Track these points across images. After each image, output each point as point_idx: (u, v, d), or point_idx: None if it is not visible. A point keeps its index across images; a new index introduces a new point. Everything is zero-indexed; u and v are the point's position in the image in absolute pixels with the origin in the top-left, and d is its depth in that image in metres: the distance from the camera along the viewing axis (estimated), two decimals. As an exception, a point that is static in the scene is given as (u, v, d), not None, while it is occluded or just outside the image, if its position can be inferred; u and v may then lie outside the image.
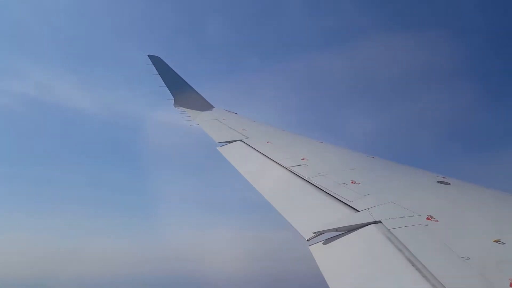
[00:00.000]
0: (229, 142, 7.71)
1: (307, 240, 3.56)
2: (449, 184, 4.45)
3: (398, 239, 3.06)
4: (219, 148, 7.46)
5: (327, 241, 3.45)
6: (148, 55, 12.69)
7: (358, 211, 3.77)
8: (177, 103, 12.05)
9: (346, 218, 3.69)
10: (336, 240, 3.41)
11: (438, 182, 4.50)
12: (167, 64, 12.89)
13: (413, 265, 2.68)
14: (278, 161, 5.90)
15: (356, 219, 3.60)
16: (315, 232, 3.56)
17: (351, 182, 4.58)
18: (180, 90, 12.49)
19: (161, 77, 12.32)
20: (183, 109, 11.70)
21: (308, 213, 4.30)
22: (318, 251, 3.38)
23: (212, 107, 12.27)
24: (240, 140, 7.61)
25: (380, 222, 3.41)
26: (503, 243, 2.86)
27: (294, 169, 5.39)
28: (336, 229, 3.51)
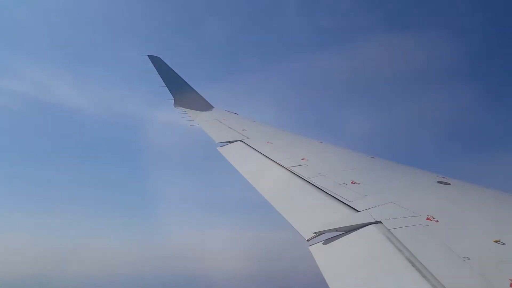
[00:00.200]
0: (229, 142, 7.71)
1: (307, 240, 3.56)
2: (449, 184, 4.45)
3: (398, 239, 3.06)
4: (219, 148, 7.45)
5: (327, 241, 3.45)
6: (148, 55, 12.69)
7: (358, 211, 3.77)
8: (177, 103, 12.04)
9: (346, 218, 3.69)
10: (336, 240, 3.41)
11: (438, 182, 4.50)
12: (167, 65, 12.89)
13: (413, 265, 2.68)
14: (278, 161, 5.90)
15: (356, 219, 3.60)
16: (315, 232, 3.56)
17: (351, 182, 4.58)
18: (180, 90, 12.49)
19: (161, 77, 12.32)
20: (183, 109, 11.69)
21: (308, 213, 4.29)
22: (318, 251, 3.38)
23: (212, 107, 12.27)
24: (240, 141, 7.61)
25: (380, 222, 3.41)
26: (503, 243, 2.86)
27: (294, 169, 5.38)
28: (336, 229, 3.50)
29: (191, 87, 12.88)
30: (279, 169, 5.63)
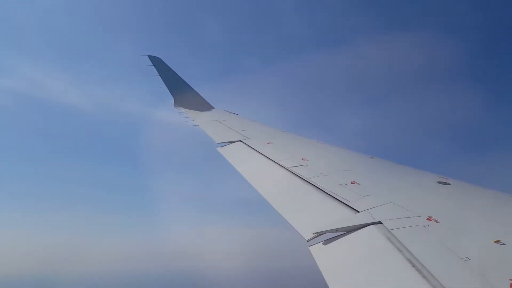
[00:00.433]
0: (229, 142, 7.71)
1: (307, 241, 3.56)
2: (449, 184, 4.45)
3: (398, 239, 3.06)
4: (219, 149, 7.45)
5: (327, 242, 3.45)
6: (148, 56, 12.69)
7: (358, 211, 3.77)
8: (177, 103, 12.05)
9: (346, 218, 3.69)
10: (336, 241, 3.41)
11: (438, 182, 4.50)
12: (167, 65, 12.90)
13: (413, 265, 2.68)
14: (278, 162, 5.90)
15: (356, 219, 3.60)
16: (315, 233, 3.56)
17: (351, 183, 4.58)
18: (180, 90, 12.50)
19: (161, 78, 12.32)
20: (183, 109, 11.70)
21: (308, 213, 4.29)
22: (318, 251, 3.38)
23: (212, 107, 12.28)
24: (240, 141, 7.61)
25: (380, 222, 3.42)
26: (503, 244, 2.86)
27: (294, 170, 5.38)
28: (336, 230, 3.51)
29: (191, 88, 12.90)
30: (279, 170, 5.63)
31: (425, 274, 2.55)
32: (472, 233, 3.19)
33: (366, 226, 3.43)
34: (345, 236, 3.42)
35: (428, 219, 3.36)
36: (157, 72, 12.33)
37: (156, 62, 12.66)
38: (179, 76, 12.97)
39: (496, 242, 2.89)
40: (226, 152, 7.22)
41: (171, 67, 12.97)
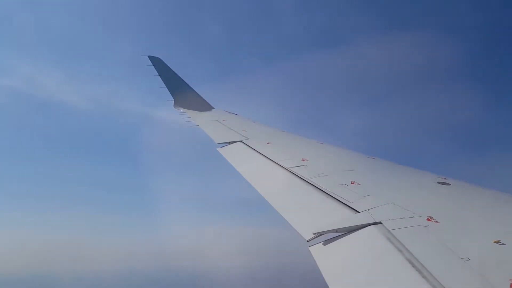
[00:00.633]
0: (229, 143, 7.70)
1: (307, 241, 3.56)
2: (449, 184, 4.45)
3: (398, 240, 3.06)
4: (219, 149, 7.45)
5: (327, 242, 3.45)
6: (148, 56, 12.69)
7: (358, 212, 3.77)
8: (177, 104, 12.05)
9: (346, 218, 3.69)
10: (336, 241, 3.41)
11: (438, 182, 4.50)
12: (167, 65, 12.90)
13: (413, 266, 2.68)
14: (278, 162, 5.90)
15: (356, 220, 3.60)
16: (315, 233, 3.56)
17: (351, 183, 4.58)
18: (180, 91, 12.50)
19: (161, 78, 12.32)
20: (183, 110, 11.69)
21: (308, 213, 4.29)
22: (318, 251, 3.38)
23: (212, 108, 12.28)
24: (240, 141, 7.61)
25: (380, 223, 3.41)
26: (503, 244, 2.86)
27: (294, 170, 5.38)
28: (336, 230, 3.50)
29: (191, 88, 12.90)
30: (279, 170, 5.62)
31: (425, 274, 2.55)
32: (472, 233, 3.19)
33: (366, 226, 3.43)
34: (345, 237, 3.42)
35: (428, 219, 3.36)
36: (157, 73, 12.35)
37: (156, 62, 12.66)
38: (179, 76, 12.98)
39: (496, 242, 2.89)
40: (226, 152, 7.22)
41: (171, 67, 12.98)
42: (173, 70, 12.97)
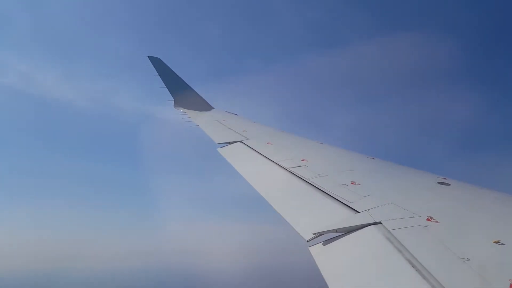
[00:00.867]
0: (229, 143, 7.70)
1: (307, 241, 3.56)
2: (449, 185, 4.45)
3: (398, 240, 3.06)
4: (219, 149, 7.45)
5: (327, 242, 3.45)
6: (148, 56, 12.69)
7: (358, 212, 3.77)
8: (177, 104, 12.04)
9: (346, 219, 3.69)
10: (336, 241, 3.42)
11: (438, 183, 4.50)
12: (167, 65, 12.89)
13: (413, 266, 2.68)
14: (278, 162, 5.90)
15: (356, 220, 3.60)
16: (315, 233, 3.56)
17: (351, 183, 4.58)
18: (180, 91, 12.49)
19: (161, 78, 12.31)
20: (183, 110, 11.69)
21: (308, 214, 4.29)
22: (318, 252, 3.38)
23: (212, 108, 12.27)
24: (240, 141, 7.60)
25: (380, 223, 3.41)
26: (503, 244, 2.86)
27: (294, 170, 5.38)
28: (336, 230, 3.51)
29: (191, 88, 12.89)
30: (279, 170, 5.62)
31: (425, 274, 2.55)
32: (472, 233, 3.19)
33: (366, 226, 3.43)
34: (345, 237, 3.42)
35: (428, 219, 3.36)
36: (157, 73, 12.34)
37: (156, 62, 12.65)
38: (179, 76, 12.97)
39: (496, 242, 2.89)
40: (226, 152, 7.22)
41: (171, 68, 12.98)
42: (173, 70, 12.98)
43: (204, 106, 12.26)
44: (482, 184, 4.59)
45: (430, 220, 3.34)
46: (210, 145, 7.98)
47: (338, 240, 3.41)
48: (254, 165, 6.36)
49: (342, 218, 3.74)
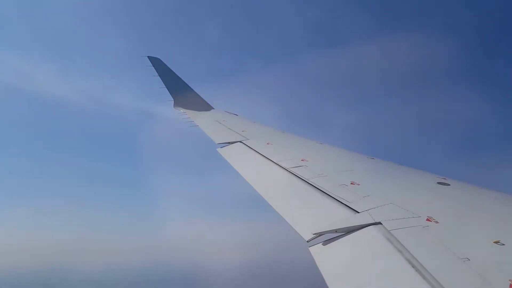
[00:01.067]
0: (229, 143, 7.70)
1: (307, 241, 3.56)
2: (449, 185, 4.45)
3: (398, 240, 3.06)
4: (219, 150, 7.45)
5: (326, 242, 3.45)
6: (148, 57, 12.68)
7: (358, 212, 3.77)
8: (177, 104, 12.04)
9: (346, 219, 3.69)
10: (336, 241, 3.41)
11: (438, 183, 4.50)
12: (167, 66, 12.88)
13: (413, 266, 2.68)
14: (278, 162, 5.90)
15: (356, 220, 3.60)
16: (315, 233, 3.56)
17: (351, 183, 4.58)
18: (180, 91, 12.48)
19: (161, 79, 12.31)
20: (183, 110, 11.68)
21: (308, 214, 4.29)
22: (318, 252, 3.38)
23: (212, 108, 12.27)
24: (240, 141, 7.60)
25: (380, 223, 3.41)
26: (503, 244, 2.86)
27: (294, 170, 5.38)
28: (336, 230, 3.50)
29: (191, 88, 12.88)
30: (279, 170, 5.62)
31: (424, 274, 2.55)
32: (471, 233, 3.19)
33: (366, 226, 3.43)
34: (345, 237, 3.42)
35: (427, 219, 3.36)
36: (156, 73, 12.33)
37: (156, 62, 12.65)
38: (178, 76, 12.96)
39: (496, 242, 2.89)
40: (226, 152, 7.22)
41: (171, 68, 12.97)
42: (173, 70, 12.97)
43: (204, 106, 12.25)
44: (482, 184, 4.60)
45: (430, 220, 3.34)
46: (210, 145, 7.97)
47: (338, 240, 3.41)
48: (254, 165, 6.36)
49: (342, 218, 3.74)
